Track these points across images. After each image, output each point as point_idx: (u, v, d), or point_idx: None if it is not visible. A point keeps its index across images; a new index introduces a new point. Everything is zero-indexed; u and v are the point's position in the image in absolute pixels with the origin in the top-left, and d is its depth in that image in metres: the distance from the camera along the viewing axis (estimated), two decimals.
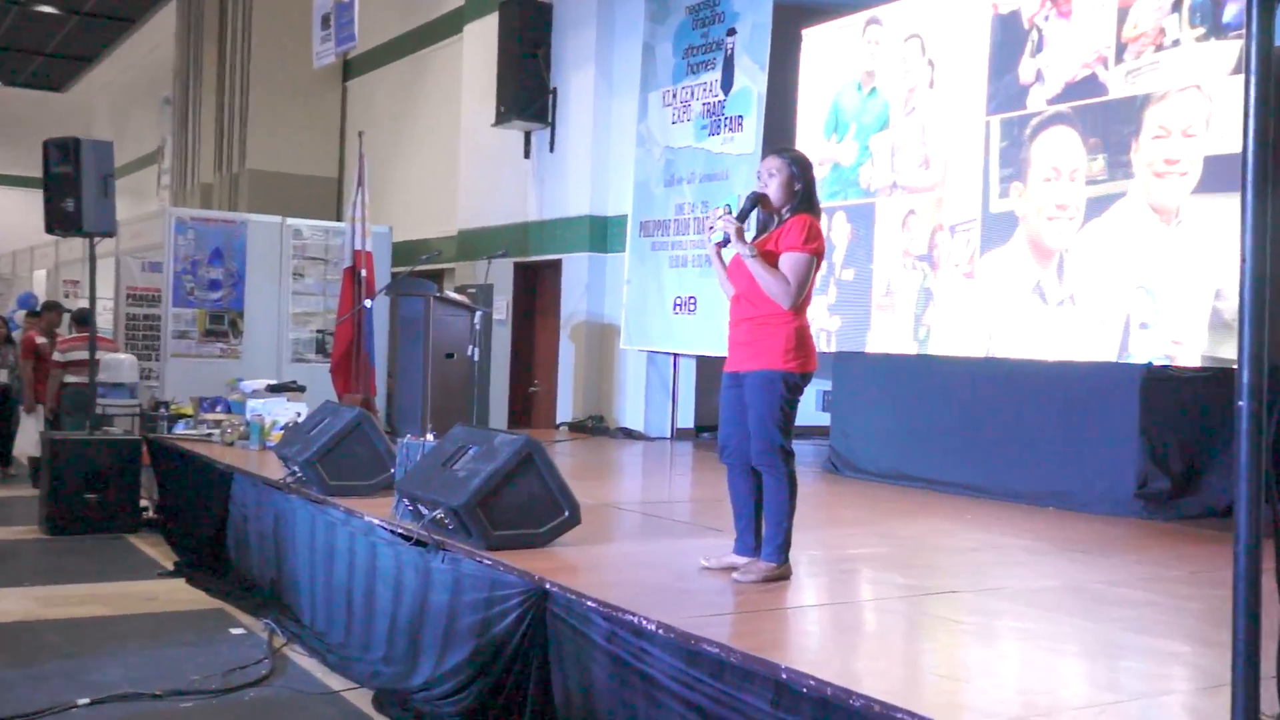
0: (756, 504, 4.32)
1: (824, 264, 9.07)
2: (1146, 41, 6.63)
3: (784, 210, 4.27)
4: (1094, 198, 6.89)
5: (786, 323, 4.15)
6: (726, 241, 4.26)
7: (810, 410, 11.63)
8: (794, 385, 4.17)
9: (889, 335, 8.18)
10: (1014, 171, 7.40)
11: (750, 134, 9.42)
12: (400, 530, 5.02)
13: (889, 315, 8.22)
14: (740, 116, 9.55)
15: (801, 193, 4.26)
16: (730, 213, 4.26)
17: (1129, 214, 6.68)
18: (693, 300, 9.94)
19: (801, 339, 4.18)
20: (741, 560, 4.33)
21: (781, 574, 4.21)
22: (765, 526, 4.23)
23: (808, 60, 9.40)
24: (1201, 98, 6.30)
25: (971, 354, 7.60)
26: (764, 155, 4.49)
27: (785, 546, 4.21)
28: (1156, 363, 6.46)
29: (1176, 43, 6.47)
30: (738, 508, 4.36)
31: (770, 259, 4.17)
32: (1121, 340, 6.67)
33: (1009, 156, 7.44)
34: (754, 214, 4.35)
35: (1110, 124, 6.80)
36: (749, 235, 4.30)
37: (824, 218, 8.99)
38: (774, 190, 4.26)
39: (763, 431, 4.17)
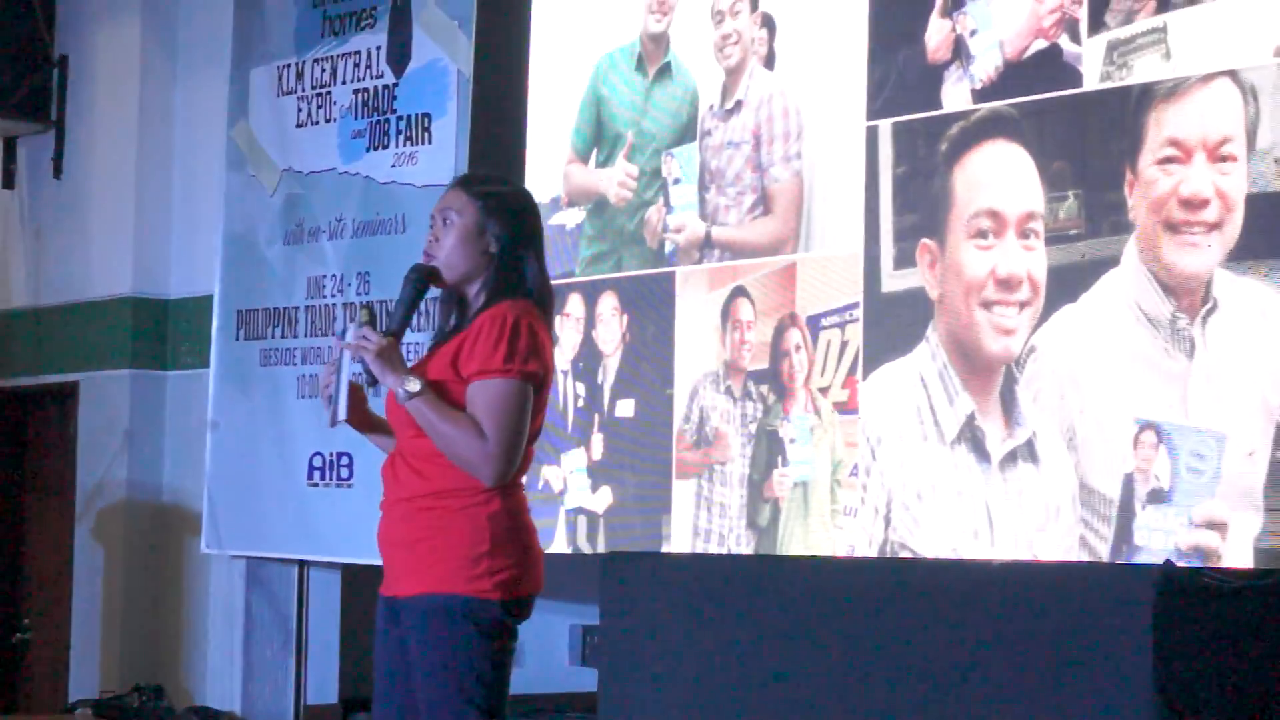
0: None
1: (553, 392, 9.29)
2: None
3: (472, 292, 4.46)
4: (1062, 266, 7.20)
5: (479, 505, 4.34)
6: (375, 381, 4.34)
7: (561, 666, 11.65)
8: (495, 624, 4.33)
9: (705, 519, 8.32)
10: (921, 220, 7.69)
11: (446, 148, 9.51)
12: None
13: (705, 482, 8.37)
14: (427, 116, 9.65)
15: (503, 257, 4.42)
16: (370, 319, 4.34)
17: (1124, 295, 7.00)
18: (345, 461, 9.90)
19: (505, 533, 4.33)
20: None
21: None
22: None
23: (544, 15, 9.59)
24: (1239, 93, 6.72)
25: (854, 551, 7.79)
26: (446, 189, 4.68)
27: None
28: (1180, 561, 6.75)
29: None
30: None
31: (452, 393, 4.30)
32: (1118, 522, 6.95)
33: (912, 193, 7.73)
34: (422, 306, 4.43)
35: (1087, 137, 7.16)
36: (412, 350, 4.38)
37: (580, 303, 9.20)
38: (444, 253, 4.45)
39: (448, 713, 4.32)
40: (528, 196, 4.47)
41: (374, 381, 4.33)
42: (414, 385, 4.20)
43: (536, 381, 4.23)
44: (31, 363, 11.80)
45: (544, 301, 4.40)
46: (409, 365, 4.43)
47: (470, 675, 4.15)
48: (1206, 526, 6.75)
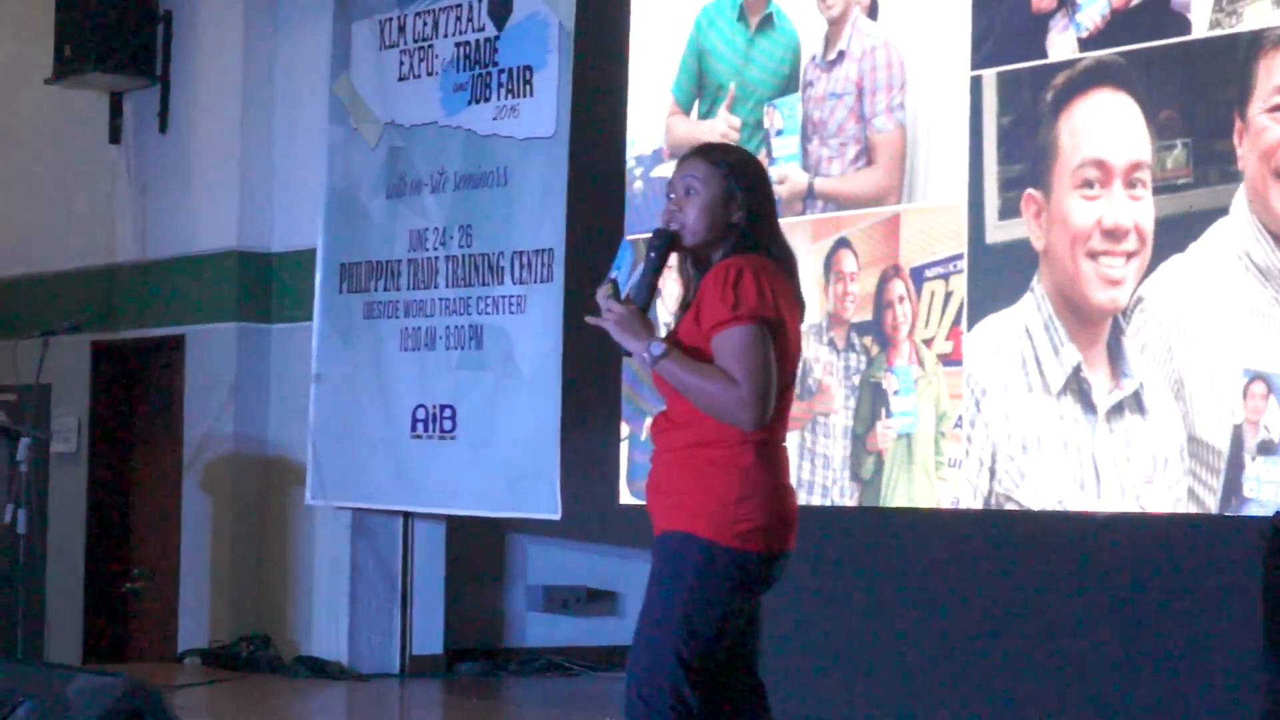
0: None
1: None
2: None
3: (715, 258, 4.41)
4: (1170, 216, 7.19)
5: (731, 456, 4.28)
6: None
7: None
8: (725, 569, 4.24)
9: (808, 471, 8.35)
10: (1026, 170, 7.69)
11: (548, 101, 9.57)
12: None
13: (808, 434, 8.40)
14: (528, 69, 9.70)
15: (744, 225, 4.40)
16: (614, 291, 4.34)
17: (1233, 245, 6.98)
18: (448, 414, 9.99)
19: (756, 486, 4.28)
20: None
21: None
22: None
23: None
24: None
25: (962, 505, 7.80)
26: (683, 157, 4.60)
27: None
28: None
29: None
30: None
31: (704, 355, 4.29)
32: (1228, 474, 6.93)
33: (1016, 143, 7.73)
34: (664, 270, 4.42)
35: (1195, 86, 7.12)
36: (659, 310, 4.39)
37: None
38: (690, 219, 4.41)
39: (646, 651, 4.26)
40: (762, 165, 4.49)
41: (628, 352, 4.35)
42: (657, 349, 4.21)
43: (770, 325, 4.23)
44: (138, 316, 11.96)
45: (781, 259, 4.40)
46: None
47: (679, 617, 4.14)
48: None
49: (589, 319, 4.37)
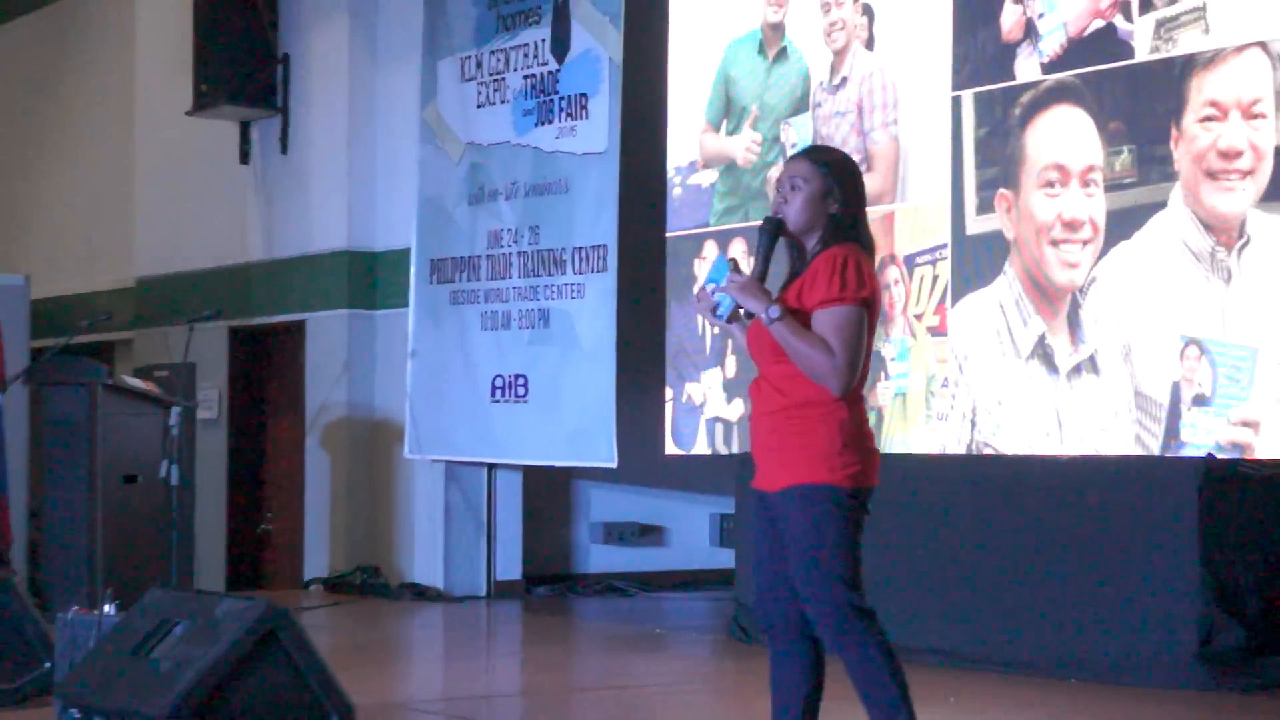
0: (808, 697, 4.34)
1: (693, 322, 9.35)
2: None
3: (810, 243, 4.37)
4: (1119, 210, 7.18)
5: (829, 413, 4.24)
6: (738, 312, 4.31)
7: (703, 547, 11.74)
8: (845, 506, 4.22)
9: None
10: (999, 173, 7.67)
11: (600, 122, 9.57)
12: None
13: None
14: (584, 96, 9.70)
15: (841, 214, 4.36)
16: (736, 267, 4.33)
17: (1171, 233, 6.97)
18: (521, 382, 10.00)
19: (852, 437, 4.25)
20: None
21: None
22: None
23: (681, 9, 9.62)
24: (1268, 61, 6.64)
25: (945, 449, 7.80)
26: (791, 158, 4.55)
27: None
28: (1220, 454, 6.72)
29: None
30: (778, 704, 4.37)
31: (801, 321, 4.26)
32: (1168, 422, 6.93)
33: (991, 150, 7.71)
34: (775, 249, 4.38)
35: (1138, 101, 7.11)
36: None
37: (715, 247, 9.22)
38: (794, 210, 4.36)
39: (815, 583, 4.22)
40: (856, 164, 4.46)
41: (735, 316, 4.31)
42: (775, 311, 4.20)
43: (868, 307, 4.23)
44: (266, 306, 11.99)
45: (868, 247, 4.40)
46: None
47: (832, 549, 4.14)
48: (1242, 425, 6.74)
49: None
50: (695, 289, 8.60)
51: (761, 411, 4.37)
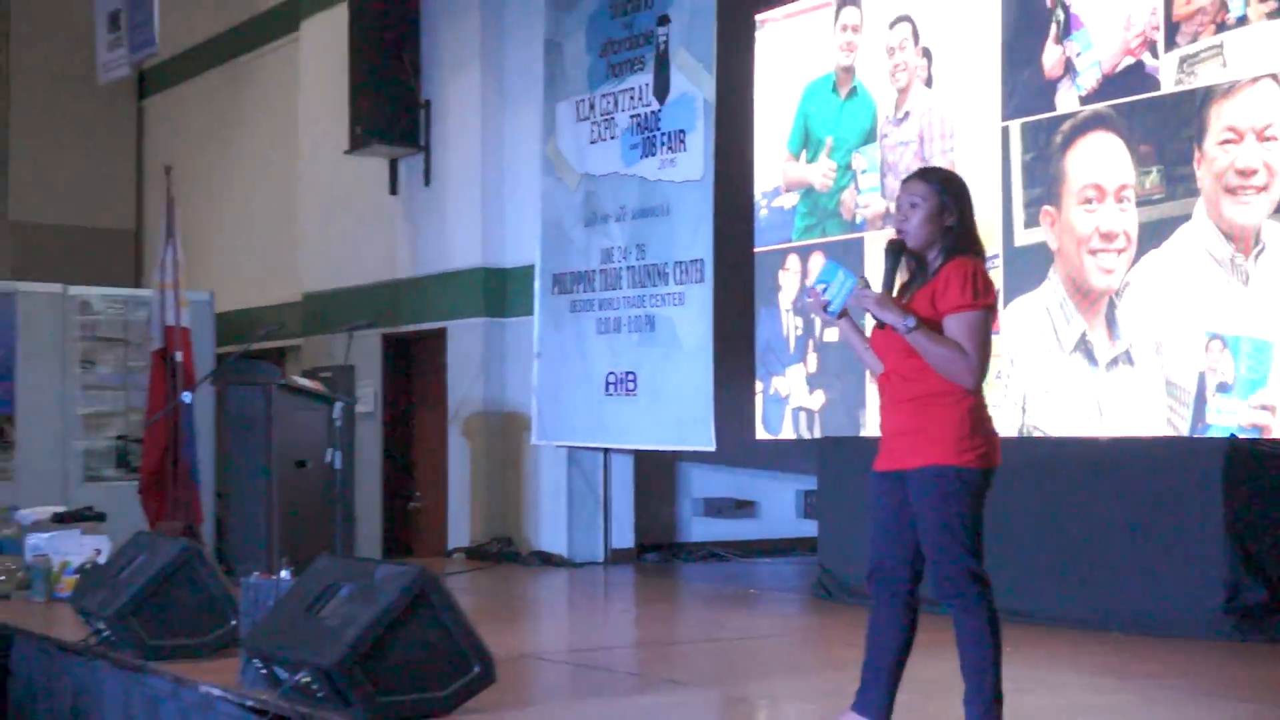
0: (900, 651, 4.33)
1: (778, 322, 9.37)
2: (1204, 20, 6.93)
3: (932, 255, 4.31)
4: (1149, 222, 7.14)
5: (958, 402, 4.21)
6: (845, 311, 4.28)
7: (790, 519, 11.74)
8: (974, 485, 4.20)
9: None
10: (1043, 192, 7.65)
11: (696, 154, 9.61)
12: (251, 702, 5.00)
13: None
14: (682, 132, 9.74)
15: (957, 228, 4.29)
16: (866, 284, 4.27)
17: (1195, 242, 6.92)
18: (631, 378, 10.05)
19: (979, 422, 4.23)
20: None
21: None
22: (965, 682, 4.21)
23: (765, 55, 9.65)
24: (1279, 90, 6.58)
25: (1002, 434, 7.77)
26: (905, 180, 4.50)
27: (995, 706, 4.19)
28: (1241, 435, 6.66)
29: (1243, 20, 6.77)
30: (873, 651, 4.37)
31: (930, 326, 4.21)
32: (1195, 407, 6.88)
33: (1036, 172, 7.69)
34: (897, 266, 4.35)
35: (1164, 127, 7.06)
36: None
37: (797, 260, 9.25)
38: (914, 227, 4.30)
39: (943, 552, 4.21)
40: (964, 181, 4.42)
41: (845, 313, 4.28)
42: (911, 321, 4.16)
43: (992, 311, 4.21)
44: (413, 315, 12.10)
45: (980, 254, 4.37)
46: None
47: (961, 523, 4.13)
48: (1260, 409, 6.69)
49: (850, 302, 4.29)
50: (785, 297, 8.63)
51: (892, 400, 4.33)
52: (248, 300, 14.39)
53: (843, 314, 4.32)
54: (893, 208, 8.40)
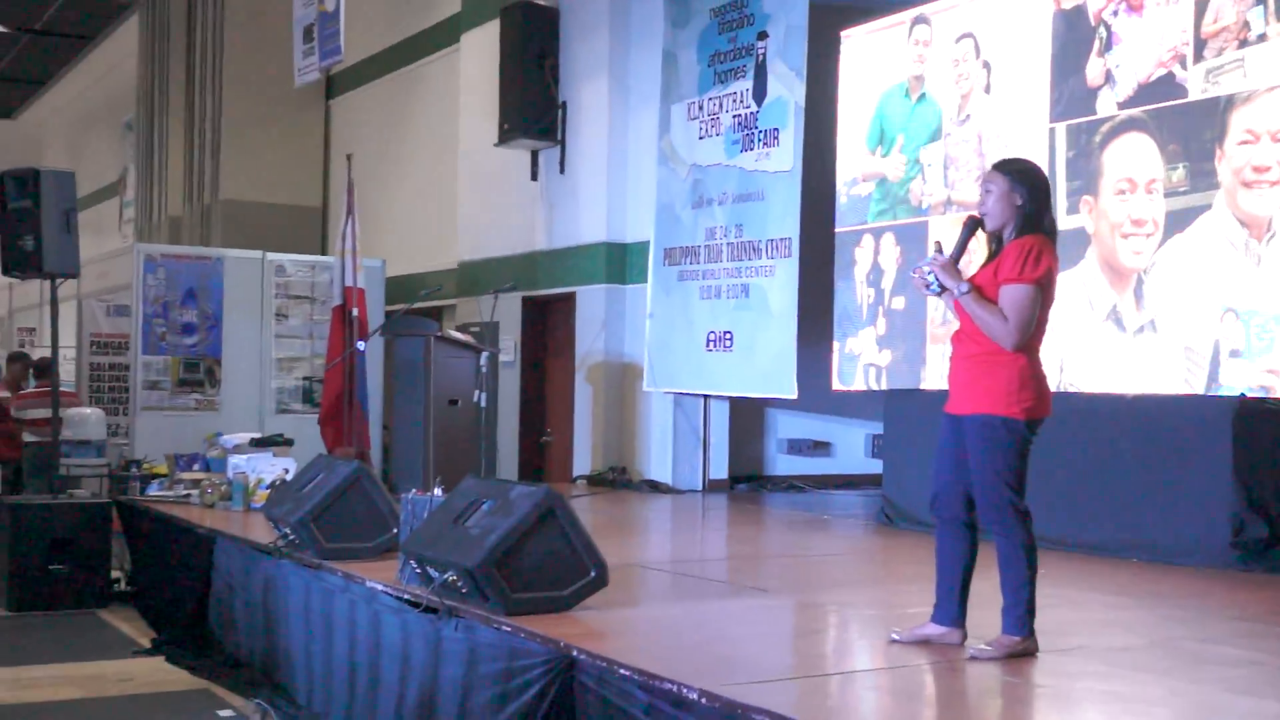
0: (965, 568, 4.32)
1: (852, 291, 9.30)
2: (1229, 37, 6.74)
3: (1006, 233, 4.26)
4: (1174, 211, 6.98)
5: (1010, 361, 4.16)
6: (942, 288, 4.23)
7: (860, 458, 11.69)
8: (1018, 433, 4.16)
9: (946, 370, 8.24)
10: (1083, 184, 7.51)
11: (787, 149, 9.56)
12: (407, 596, 5.07)
13: (946, 348, 8.29)
14: (776, 130, 9.69)
15: (1025, 209, 4.22)
16: (939, 250, 4.26)
17: (1214, 228, 6.77)
18: (728, 336, 10.04)
19: (1028, 379, 4.17)
20: (939, 631, 4.33)
21: (1027, 648, 4.17)
22: (1004, 596, 4.20)
23: (848, 65, 9.55)
24: None
25: None
26: (988, 170, 4.43)
27: (1028, 617, 4.19)
28: (1250, 394, 6.52)
29: (1263, 37, 6.58)
30: (943, 570, 4.36)
31: (991, 293, 4.17)
32: (1210, 369, 6.74)
33: (1077, 167, 7.55)
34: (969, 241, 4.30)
35: (1190, 129, 6.90)
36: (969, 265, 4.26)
37: (871, 240, 9.16)
38: (989, 208, 4.25)
39: (988, 487, 4.18)
40: (1038, 169, 4.37)
41: (942, 289, 4.27)
42: (964, 287, 4.15)
43: (1042, 287, 4.17)
44: (549, 281, 12.17)
45: (1051, 233, 4.34)
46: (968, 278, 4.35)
47: (1006, 467, 4.11)
48: (1267, 373, 6.53)
49: (921, 266, 4.26)
50: (860, 270, 8.56)
51: (960, 355, 4.30)
52: (413, 266, 14.56)
53: (943, 290, 4.27)
54: (953, 196, 8.34)
